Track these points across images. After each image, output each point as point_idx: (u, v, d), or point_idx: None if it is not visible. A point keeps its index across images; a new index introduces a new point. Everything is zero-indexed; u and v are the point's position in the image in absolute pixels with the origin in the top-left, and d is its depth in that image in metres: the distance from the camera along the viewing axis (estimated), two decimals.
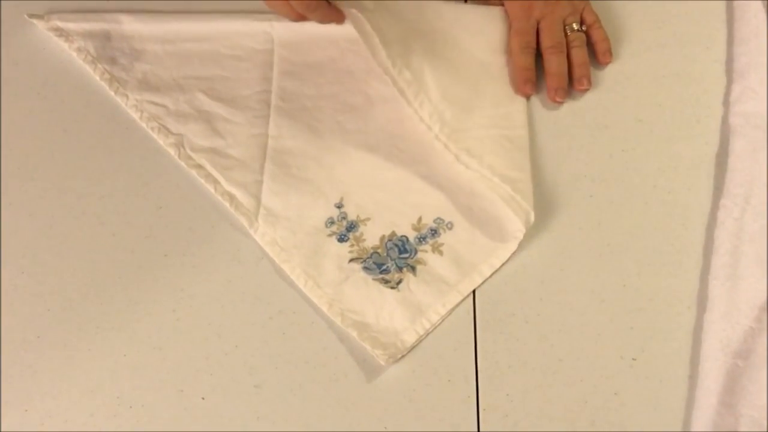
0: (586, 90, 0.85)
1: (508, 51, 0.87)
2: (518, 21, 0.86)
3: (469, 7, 0.90)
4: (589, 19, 0.87)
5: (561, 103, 0.85)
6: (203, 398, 0.72)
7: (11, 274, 0.79)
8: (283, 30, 0.89)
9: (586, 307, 0.75)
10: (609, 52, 0.86)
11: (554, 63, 0.84)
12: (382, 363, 0.72)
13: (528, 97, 0.85)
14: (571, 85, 0.85)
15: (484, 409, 0.71)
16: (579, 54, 0.85)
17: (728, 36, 0.86)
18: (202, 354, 0.74)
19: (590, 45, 0.87)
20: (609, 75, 0.86)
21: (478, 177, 0.79)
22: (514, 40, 0.86)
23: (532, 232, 0.77)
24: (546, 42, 0.85)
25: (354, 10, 0.83)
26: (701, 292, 0.74)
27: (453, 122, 0.82)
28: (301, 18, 0.85)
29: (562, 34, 0.85)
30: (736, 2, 0.87)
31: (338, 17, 0.85)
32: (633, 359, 0.72)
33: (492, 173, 0.79)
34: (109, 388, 0.73)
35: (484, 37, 0.88)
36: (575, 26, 0.85)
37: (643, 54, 0.87)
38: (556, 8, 0.86)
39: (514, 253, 0.77)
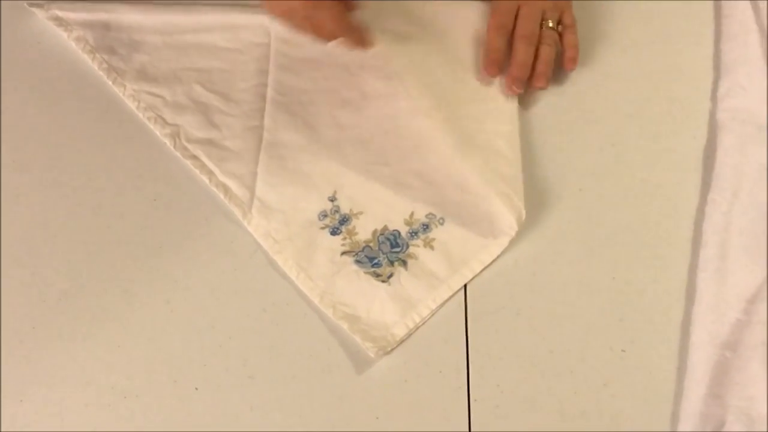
0: (542, 89, 0.84)
1: (486, 28, 0.86)
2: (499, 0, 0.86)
3: (445, 5, 0.90)
4: (567, 21, 0.86)
5: (517, 93, 0.84)
6: (197, 389, 0.73)
7: (6, 266, 0.79)
8: (280, 24, 0.90)
9: (575, 299, 0.75)
10: (574, 60, 0.85)
11: (521, 52, 0.83)
12: (372, 356, 0.73)
13: (493, 77, 0.84)
14: (530, 79, 0.84)
15: (475, 400, 0.72)
16: (546, 51, 0.84)
17: (716, 32, 0.87)
18: (196, 345, 0.75)
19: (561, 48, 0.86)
20: (598, 70, 0.87)
21: (473, 172, 0.80)
22: (492, 19, 0.85)
23: (523, 226, 0.78)
24: (519, 30, 0.84)
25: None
26: (690, 285, 0.75)
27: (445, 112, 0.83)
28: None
29: (538, 26, 0.85)
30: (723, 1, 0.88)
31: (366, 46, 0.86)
32: (622, 351, 0.73)
33: (486, 169, 0.80)
34: (104, 378, 0.74)
35: (461, 33, 0.88)
36: (551, 23, 0.85)
37: (631, 50, 0.88)
38: (547, 7, 0.85)
39: (504, 247, 0.77)
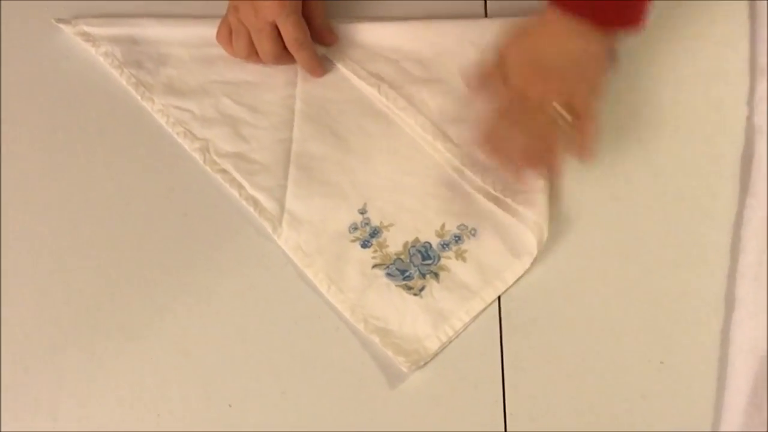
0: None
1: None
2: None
3: (469, 23, 0.89)
4: (578, 106, 0.74)
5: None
6: (230, 405, 0.73)
7: (38, 281, 0.79)
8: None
9: (612, 309, 0.74)
10: (587, 149, 0.75)
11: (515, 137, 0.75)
12: (405, 370, 0.72)
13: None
14: None
15: (511, 414, 0.71)
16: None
17: (751, 35, 0.85)
18: (228, 360, 0.75)
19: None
20: (633, 75, 0.85)
21: (487, 194, 0.80)
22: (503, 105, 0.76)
23: (557, 235, 0.77)
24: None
25: (341, 66, 0.87)
26: (729, 292, 0.74)
27: (456, 138, 0.81)
28: (276, 61, 0.85)
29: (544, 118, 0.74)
30: (759, 1, 0.87)
31: (317, 71, 0.86)
32: (660, 362, 0.72)
33: (497, 190, 0.79)
34: (137, 395, 0.74)
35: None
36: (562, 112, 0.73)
37: (667, 54, 0.86)
38: (550, 88, 0.74)
39: (538, 257, 0.76)
